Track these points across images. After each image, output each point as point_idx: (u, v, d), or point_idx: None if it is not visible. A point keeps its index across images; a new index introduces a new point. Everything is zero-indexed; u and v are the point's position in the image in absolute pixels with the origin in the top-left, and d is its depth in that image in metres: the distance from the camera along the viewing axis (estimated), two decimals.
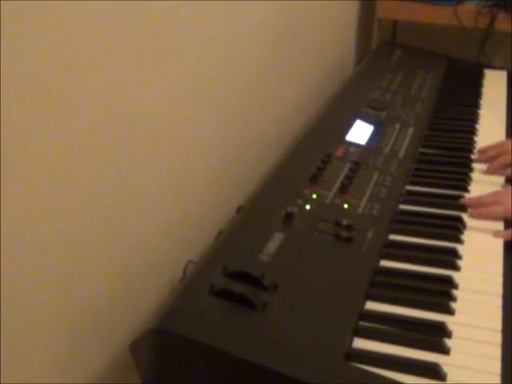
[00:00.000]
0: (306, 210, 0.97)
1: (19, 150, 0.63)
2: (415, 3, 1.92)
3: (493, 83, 1.67)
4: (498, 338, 0.78)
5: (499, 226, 1.01)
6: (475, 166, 1.21)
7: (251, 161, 1.28)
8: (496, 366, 0.73)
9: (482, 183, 1.15)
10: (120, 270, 0.86)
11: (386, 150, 1.21)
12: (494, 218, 1.02)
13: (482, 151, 1.25)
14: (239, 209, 1.03)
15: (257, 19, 1.20)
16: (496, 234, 0.98)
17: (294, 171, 1.09)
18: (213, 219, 1.11)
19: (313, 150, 1.16)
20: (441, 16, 1.89)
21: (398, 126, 1.32)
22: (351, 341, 0.76)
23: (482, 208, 1.04)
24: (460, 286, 0.86)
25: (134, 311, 0.92)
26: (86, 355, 0.82)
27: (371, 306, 0.82)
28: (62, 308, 0.75)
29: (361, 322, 0.79)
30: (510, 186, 1.10)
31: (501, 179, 1.17)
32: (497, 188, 1.13)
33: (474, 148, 1.29)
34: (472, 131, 1.36)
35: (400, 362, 0.73)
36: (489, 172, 1.19)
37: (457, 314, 0.82)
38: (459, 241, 0.97)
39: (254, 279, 0.79)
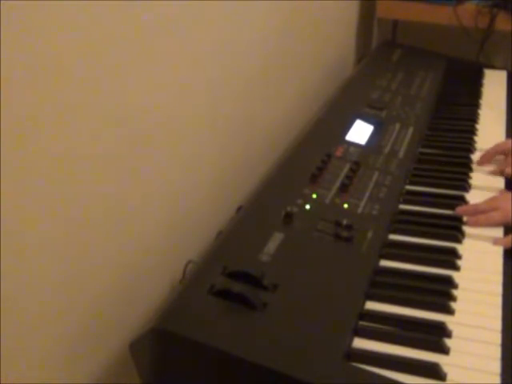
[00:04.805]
0: (305, 209, 0.97)
1: (19, 147, 0.63)
2: (415, 3, 1.92)
3: (493, 83, 1.67)
4: (497, 338, 0.78)
5: (499, 229, 1.00)
6: (475, 166, 1.21)
7: (251, 160, 1.28)
8: (496, 366, 0.73)
9: (482, 183, 1.15)
10: (120, 269, 0.86)
11: (386, 149, 1.21)
12: (492, 224, 1.01)
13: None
14: (239, 209, 1.03)
15: (257, 19, 1.20)
16: (495, 242, 0.97)
17: (294, 171, 1.09)
18: (213, 219, 1.11)
19: (313, 150, 1.16)
20: (441, 16, 1.89)
21: (397, 125, 1.32)
22: (351, 341, 0.76)
23: (479, 215, 1.02)
24: (460, 286, 0.86)
25: (134, 311, 0.92)
26: (86, 355, 0.82)
27: (371, 305, 0.82)
28: (61, 308, 0.75)
29: (361, 322, 0.79)
30: (508, 192, 1.09)
31: (501, 182, 1.16)
32: (496, 188, 1.12)
33: (474, 148, 1.29)
34: (472, 131, 1.36)
35: (400, 361, 0.73)
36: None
37: (457, 313, 0.82)
38: (459, 241, 0.97)
39: (254, 279, 0.79)
